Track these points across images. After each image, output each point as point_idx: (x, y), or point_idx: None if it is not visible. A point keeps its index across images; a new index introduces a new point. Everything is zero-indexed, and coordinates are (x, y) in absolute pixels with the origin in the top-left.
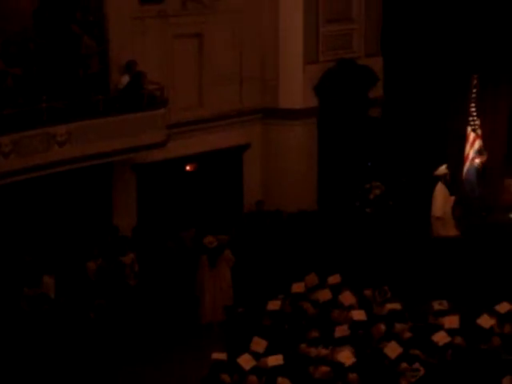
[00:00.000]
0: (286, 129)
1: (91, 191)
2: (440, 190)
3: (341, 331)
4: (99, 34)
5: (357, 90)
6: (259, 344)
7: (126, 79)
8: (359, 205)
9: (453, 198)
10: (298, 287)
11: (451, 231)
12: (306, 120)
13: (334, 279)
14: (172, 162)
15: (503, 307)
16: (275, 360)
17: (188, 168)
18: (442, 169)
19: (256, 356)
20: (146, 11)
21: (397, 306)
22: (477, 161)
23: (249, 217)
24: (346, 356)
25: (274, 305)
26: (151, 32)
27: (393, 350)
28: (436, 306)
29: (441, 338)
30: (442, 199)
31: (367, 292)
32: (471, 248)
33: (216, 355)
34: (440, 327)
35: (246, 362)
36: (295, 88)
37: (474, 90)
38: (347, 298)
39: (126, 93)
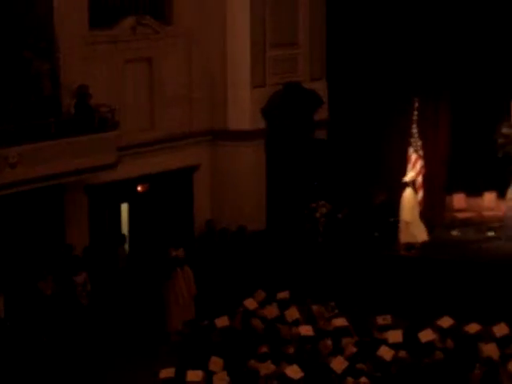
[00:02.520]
0: (235, 150)
1: (44, 212)
2: (408, 195)
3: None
4: (50, 58)
5: (303, 112)
6: (216, 363)
7: (75, 102)
8: (306, 224)
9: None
10: (249, 303)
11: (420, 236)
12: (254, 141)
13: (282, 295)
14: (124, 183)
15: (445, 322)
16: (221, 378)
17: (139, 189)
18: (411, 175)
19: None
20: (97, 36)
21: (343, 321)
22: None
23: (204, 236)
24: (293, 370)
25: (222, 321)
26: (102, 56)
27: (339, 364)
28: (380, 320)
29: (385, 352)
30: (410, 204)
31: (315, 308)
32: (413, 264)
33: (164, 373)
34: (384, 342)
35: (193, 377)
36: (243, 110)
37: (415, 112)
38: (293, 313)
39: (77, 115)
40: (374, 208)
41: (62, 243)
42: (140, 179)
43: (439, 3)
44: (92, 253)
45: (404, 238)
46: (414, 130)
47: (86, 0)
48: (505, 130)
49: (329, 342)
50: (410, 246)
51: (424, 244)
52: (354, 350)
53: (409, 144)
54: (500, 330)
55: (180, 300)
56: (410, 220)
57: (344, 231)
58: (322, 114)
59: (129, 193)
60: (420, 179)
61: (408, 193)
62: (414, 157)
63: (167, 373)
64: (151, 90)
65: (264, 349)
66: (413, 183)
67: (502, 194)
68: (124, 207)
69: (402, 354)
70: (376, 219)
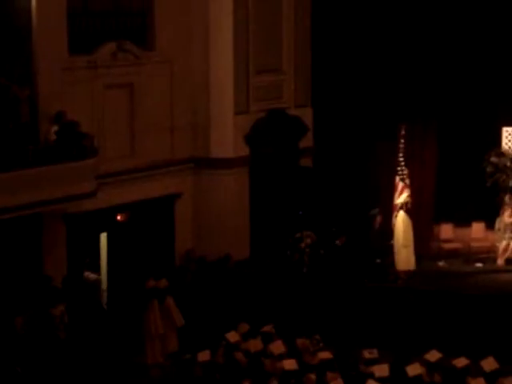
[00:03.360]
0: (218, 178)
1: (21, 242)
2: (401, 218)
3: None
4: (29, 84)
5: (287, 139)
6: None
7: (54, 129)
8: (290, 254)
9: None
10: (231, 336)
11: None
12: (238, 169)
13: (266, 328)
14: (103, 212)
15: (433, 356)
16: None
17: (119, 218)
18: (404, 197)
19: None
20: (76, 62)
21: (328, 354)
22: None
23: (183, 266)
24: None
25: (204, 355)
26: (81, 82)
27: None
28: (366, 354)
29: None
30: (404, 227)
31: (299, 341)
32: (399, 295)
33: None
34: (371, 375)
35: None
36: (226, 138)
37: (402, 140)
38: (278, 347)
39: (56, 143)
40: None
41: (40, 274)
42: (120, 208)
43: (425, 32)
44: (70, 284)
45: (399, 263)
46: (401, 158)
47: (66, 25)
48: (493, 159)
49: (313, 377)
50: (397, 277)
51: (410, 274)
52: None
53: (395, 172)
54: (488, 364)
55: (155, 332)
56: (405, 244)
57: (340, 259)
58: (307, 141)
59: (108, 222)
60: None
61: (401, 216)
62: (400, 185)
63: None
64: (132, 116)
65: (247, 383)
66: (406, 205)
67: (490, 225)
68: (103, 236)
69: None
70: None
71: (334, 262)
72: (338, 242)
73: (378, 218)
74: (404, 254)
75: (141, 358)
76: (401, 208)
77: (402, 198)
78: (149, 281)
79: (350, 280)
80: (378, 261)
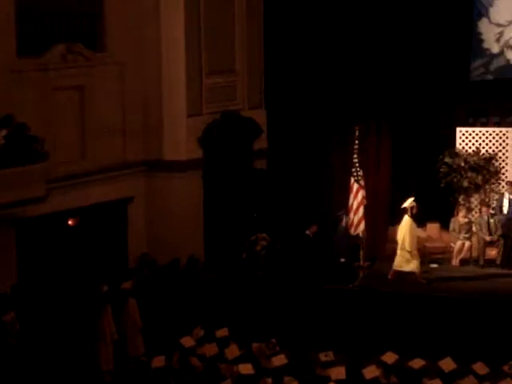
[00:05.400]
0: (171, 181)
1: None
2: (407, 222)
3: None
4: None
5: (241, 141)
6: None
7: (3, 133)
8: (246, 256)
9: (420, 230)
10: (186, 341)
11: (414, 265)
12: (191, 172)
13: (221, 332)
14: (54, 217)
15: (389, 357)
16: None
17: (70, 222)
18: (410, 201)
19: None
20: (25, 64)
21: (284, 359)
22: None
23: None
24: None
25: (158, 361)
26: (30, 85)
27: None
28: (322, 357)
29: None
30: (409, 231)
31: (255, 345)
32: (353, 297)
33: None
34: (327, 379)
35: None
36: (179, 140)
37: (356, 142)
38: (233, 351)
39: (4, 147)
40: (308, 240)
41: None
42: (71, 212)
43: (378, 32)
44: (20, 291)
45: (398, 264)
46: (355, 160)
47: (14, 27)
48: (447, 159)
49: (269, 381)
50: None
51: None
52: None
53: (350, 174)
54: (445, 364)
55: (110, 337)
56: (409, 248)
57: (283, 263)
58: (261, 143)
59: (59, 227)
60: (361, 210)
61: (406, 220)
62: (355, 187)
63: None
64: (83, 119)
65: None
66: (411, 209)
67: (445, 225)
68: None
69: None
70: (310, 251)
71: (290, 262)
72: (308, 232)
73: (345, 219)
74: (406, 257)
75: (94, 364)
76: (405, 212)
77: (407, 202)
78: (102, 286)
79: (307, 281)
80: (343, 260)
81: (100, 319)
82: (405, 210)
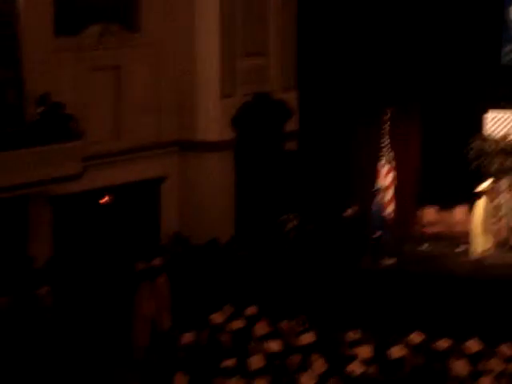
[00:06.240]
0: (203, 161)
1: (7, 223)
2: (481, 205)
3: (256, 363)
4: (14, 66)
5: (273, 123)
6: (181, 380)
7: (39, 110)
8: (276, 236)
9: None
10: (216, 318)
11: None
12: (223, 153)
13: (250, 310)
14: (88, 194)
15: (416, 338)
16: None
17: (105, 200)
18: (487, 184)
19: None
20: (62, 44)
21: (312, 336)
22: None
23: (171, 248)
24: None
25: (188, 337)
26: (67, 64)
27: (308, 380)
28: (350, 336)
29: (355, 367)
30: (482, 215)
31: (284, 323)
32: (383, 278)
33: None
34: (354, 357)
35: None
36: (212, 121)
37: (387, 124)
38: (262, 328)
39: (41, 124)
40: (344, 221)
41: (24, 255)
42: (106, 190)
43: (410, 14)
44: (55, 265)
45: (475, 249)
46: (386, 142)
47: (52, 7)
48: (477, 143)
49: (297, 358)
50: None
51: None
52: (324, 365)
53: (380, 155)
54: (472, 345)
55: (148, 314)
56: (479, 231)
57: (314, 244)
58: (292, 124)
59: (94, 204)
60: (391, 192)
61: (481, 202)
62: (385, 168)
63: None
64: (118, 99)
65: (230, 363)
66: (487, 192)
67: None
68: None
69: (372, 369)
70: (347, 232)
71: (322, 242)
72: (348, 212)
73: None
74: (483, 240)
75: (126, 340)
76: (480, 196)
77: (483, 185)
78: (139, 263)
79: (337, 261)
80: (379, 234)
81: (138, 296)
82: (480, 194)
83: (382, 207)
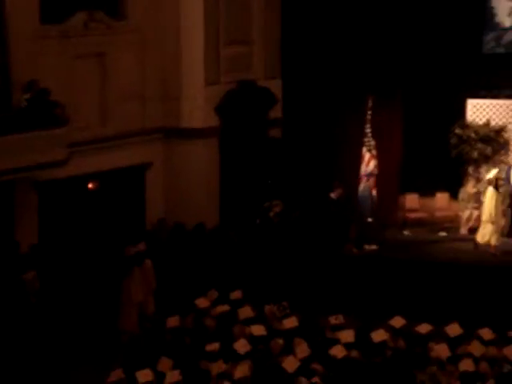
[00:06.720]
0: (188, 148)
1: None
2: (493, 195)
3: (242, 347)
4: (0, 53)
5: (257, 110)
6: (165, 364)
7: (26, 96)
8: (260, 222)
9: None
10: (201, 302)
11: (495, 237)
12: (208, 139)
13: (235, 295)
14: (74, 180)
15: (397, 322)
16: (174, 376)
17: (90, 186)
18: (495, 172)
19: (161, 375)
20: (48, 31)
21: (294, 321)
22: (370, 182)
23: (155, 234)
24: (241, 370)
25: (173, 321)
26: (53, 51)
27: (291, 364)
28: (332, 320)
29: (337, 351)
30: (492, 203)
31: (267, 307)
32: (365, 263)
33: (113, 376)
34: (336, 341)
35: (143, 377)
36: (196, 108)
37: (369, 112)
38: (246, 312)
39: (27, 111)
40: (331, 203)
41: (10, 241)
42: (91, 176)
43: (393, 3)
44: (41, 250)
45: (481, 237)
46: (368, 130)
47: None
48: (458, 131)
49: (280, 342)
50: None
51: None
52: (306, 349)
53: (362, 143)
54: (452, 329)
55: (136, 298)
56: (487, 220)
57: (300, 229)
58: (276, 112)
59: (79, 190)
60: (372, 179)
61: (490, 192)
62: (367, 156)
63: (116, 375)
64: (103, 86)
65: (214, 347)
66: (496, 181)
67: (454, 195)
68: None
69: (354, 353)
70: (331, 217)
71: (308, 228)
72: (333, 194)
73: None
74: (488, 229)
75: (114, 326)
76: (490, 183)
77: (491, 173)
78: (128, 248)
79: (320, 246)
80: (370, 220)
81: (127, 280)
82: (489, 182)
83: (371, 191)
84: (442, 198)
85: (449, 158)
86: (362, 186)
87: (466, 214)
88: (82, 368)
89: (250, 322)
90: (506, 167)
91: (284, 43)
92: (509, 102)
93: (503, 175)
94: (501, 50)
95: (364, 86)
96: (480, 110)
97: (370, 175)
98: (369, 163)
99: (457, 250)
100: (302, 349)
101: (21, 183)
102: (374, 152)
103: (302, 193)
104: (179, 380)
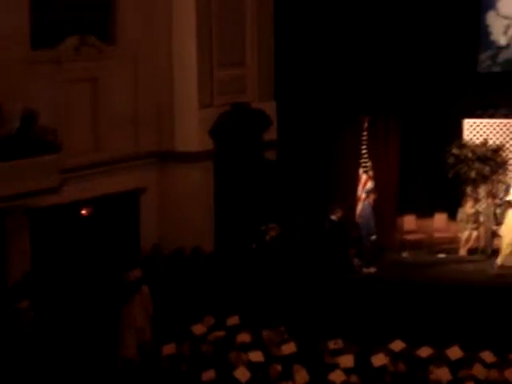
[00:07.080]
0: (182, 172)
1: None
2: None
3: (242, 375)
4: None
5: (251, 133)
6: None
7: (17, 125)
8: (256, 247)
9: None
10: (198, 329)
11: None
12: (202, 163)
13: (232, 320)
14: (67, 207)
15: (397, 345)
16: None
17: (83, 212)
18: None
19: None
20: (39, 56)
21: (293, 346)
22: (370, 199)
23: (150, 260)
24: None
25: (169, 349)
26: (45, 77)
27: None
28: (331, 345)
29: (337, 376)
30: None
31: (265, 333)
32: (363, 287)
33: None
34: (336, 366)
35: None
36: (191, 131)
37: (365, 133)
38: (243, 338)
39: (17, 138)
40: (332, 226)
41: (2, 269)
42: (84, 202)
43: (388, 25)
44: (34, 279)
45: (503, 260)
46: (364, 151)
47: (28, 20)
48: (455, 151)
49: (279, 368)
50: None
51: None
52: (306, 375)
53: (359, 165)
54: (453, 353)
55: (135, 325)
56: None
57: (295, 253)
58: (271, 134)
59: (72, 217)
60: (372, 195)
61: (510, 213)
62: (364, 177)
63: None
64: (96, 110)
65: (211, 374)
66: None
67: (452, 216)
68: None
69: (354, 378)
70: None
71: (309, 251)
72: (334, 217)
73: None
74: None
75: (109, 352)
76: (510, 205)
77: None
78: (128, 274)
79: (319, 271)
80: (374, 238)
81: (127, 307)
82: (509, 203)
83: (372, 208)
84: (440, 219)
85: (446, 178)
86: (361, 205)
87: (465, 234)
88: None
89: (247, 347)
90: (505, 187)
91: (278, 65)
92: (505, 121)
93: (501, 195)
94: (496, 69)
95: (359, 106)
96: (477, 130)
97: (369, 192)
98: (366, 184)
99: (457, 271)
100: (302, 375)
101: (13, 211)
102: (370, 173)
103: (299, 216)
104: None
